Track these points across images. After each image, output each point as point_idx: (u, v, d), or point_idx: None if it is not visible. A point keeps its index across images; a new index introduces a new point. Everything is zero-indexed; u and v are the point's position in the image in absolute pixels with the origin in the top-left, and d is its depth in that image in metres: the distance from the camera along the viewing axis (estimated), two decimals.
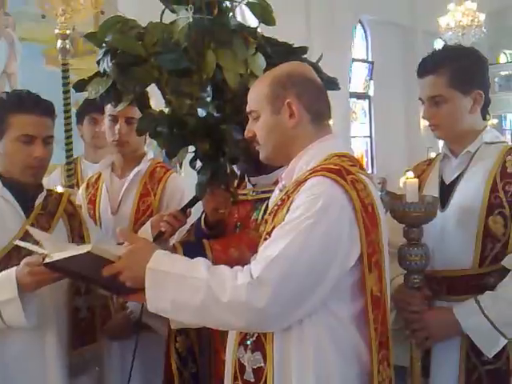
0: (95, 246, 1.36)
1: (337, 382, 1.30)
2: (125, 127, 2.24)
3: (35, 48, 5.32)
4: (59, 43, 2.73)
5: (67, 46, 2.74)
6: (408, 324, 1.73)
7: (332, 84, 1.84)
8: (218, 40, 1.67)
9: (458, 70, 1.75)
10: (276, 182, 1.87)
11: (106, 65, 1.68)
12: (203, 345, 1.92)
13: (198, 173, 1.82)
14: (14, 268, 1.64)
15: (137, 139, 2.29)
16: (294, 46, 1.86)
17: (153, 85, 1.75)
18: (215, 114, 1.69)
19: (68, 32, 2.74)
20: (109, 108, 2.25)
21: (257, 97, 1.46)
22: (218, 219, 1.86)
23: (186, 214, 1.89)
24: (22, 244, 1.60)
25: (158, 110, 1.80)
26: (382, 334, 1.36)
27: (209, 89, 1.68)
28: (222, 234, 1.88)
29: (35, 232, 1.60)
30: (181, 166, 1.82)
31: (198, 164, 1.83)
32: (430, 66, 1.79)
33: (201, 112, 1.67)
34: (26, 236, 1.73)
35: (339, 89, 1.86)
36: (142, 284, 1.31)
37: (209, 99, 1.68)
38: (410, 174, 1.75)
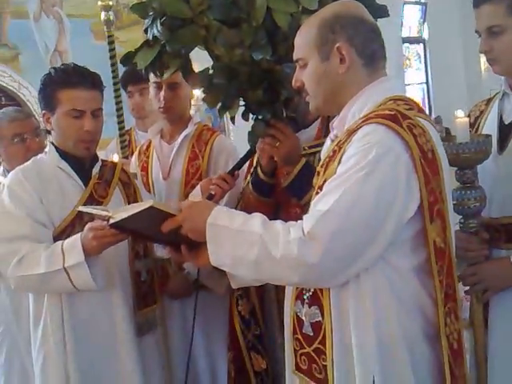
0: (155, 201, 1.38)
1: (399, 335, 1.26)
2: (169, 93, 2.26)
3: (83, 24, 5.41)
4: (103, 15, 2.73)
5: (111, 18, 2.74)
6: (466, 278, 1.68)
7: (381, 11, 1.74)
8: None
9: None
10: (318, 136, 1.84)
11: (156, 30, 1.69)
12: (266, 305, 1.96)
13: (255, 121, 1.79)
14: (79, 234, 1.72)
15: (182, 104, 2.31)
16: None
17: (192, 54, 1.75)
18: (269, 58, 1.66)
19: (111, 3, 2.75)
20: (152, 75, 2.27)
21: (303, 43, 1.37)
22: (274, 168, 1.85)
23: (234, 176, 1.91)
24: (85, 209, 1.66)
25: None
26: (448, 286, 1.30)
27: (262, 33, 1.65)
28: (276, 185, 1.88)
29: (88, 209, 1.66)
30: (232, 121, 1.79)
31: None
32: None
33: (256, 56, 1.64)
34: (86, 204, 1.81)
35: (388, 15, 1.76)
36: (201, 237, 1.31)
37: (264, 42, 1.64)
38: (460, 112, 1.66)
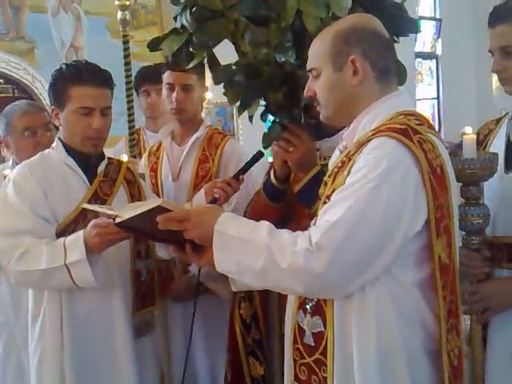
0: (164, 200, 1.36)
1: (400, 349, 1.26)
2: (181, 94, 2.26)
3: (100, 21, 5.44)
4: (119, 14, 2.75)
5: (127, 17, 2.76)
6: (466, 296, 1.66)
7: (411, 25, 1.74)
8: None
9: None
10: None
11: (185, 19, 1.70)
12: (269, 310, 1.95)
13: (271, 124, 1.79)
14: (82, 231, 1.71)
15: (194, 106, 2.32)
16: None
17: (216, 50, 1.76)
18: (292, 61, 1.66)
19: (128, 3, 2.76)
20: (165, 76, 2.29)
21: (318, 53, 1.39)
22: (288, 173, 1.83)
23: (239, 180, 1.91)
24: (91, 207, 1.66)
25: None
26: (452, 303, 1.30)
27: (289, 35, 1.64)
28: (289, 191, 1.86)
29: (94, 207, 1.66)
30: (251, 120, 1.77)
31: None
32: (501, 14, 1.67)
33: (279, 58, 1.64)
34: (91, 202, 1.82)
35: (420, 31, 1.77)
36: (208, 241, 1.31)
37: (288, 45, 1.64)
38: (469, 129, 1.66)
